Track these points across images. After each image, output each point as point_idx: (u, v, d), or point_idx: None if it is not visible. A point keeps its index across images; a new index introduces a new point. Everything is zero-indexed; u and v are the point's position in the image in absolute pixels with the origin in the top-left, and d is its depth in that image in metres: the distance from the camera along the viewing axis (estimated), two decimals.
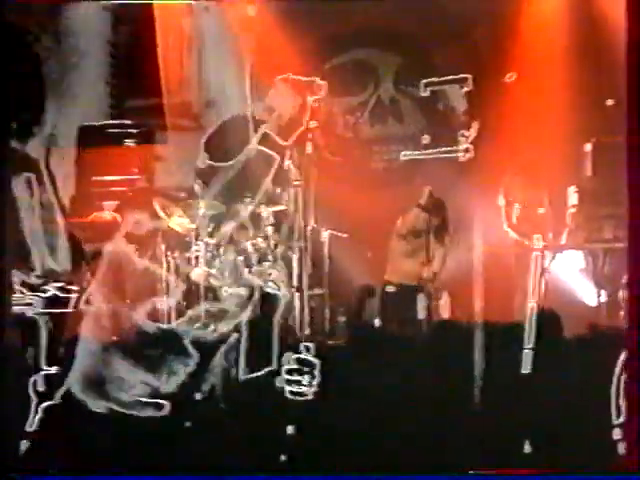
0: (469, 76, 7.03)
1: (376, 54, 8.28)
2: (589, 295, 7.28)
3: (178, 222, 7.58)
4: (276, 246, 7.38)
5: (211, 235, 7.25)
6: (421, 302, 6.49)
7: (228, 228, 7.39)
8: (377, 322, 6.70)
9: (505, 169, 7.52)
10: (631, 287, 5.22)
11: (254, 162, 7.46)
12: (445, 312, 6.77)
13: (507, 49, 7.70)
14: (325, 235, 7.46)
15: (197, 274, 7.30)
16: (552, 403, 5.26)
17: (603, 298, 7.21)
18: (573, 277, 7.42)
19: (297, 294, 7.28)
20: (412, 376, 5.33)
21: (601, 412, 5.22)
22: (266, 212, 7.38)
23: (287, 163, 7.23)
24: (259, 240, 7.31)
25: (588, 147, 7.48)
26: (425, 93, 7.27)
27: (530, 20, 7.74)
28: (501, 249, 7.42)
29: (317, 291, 7.41)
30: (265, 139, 7.24)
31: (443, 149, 7.32)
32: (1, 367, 6.28)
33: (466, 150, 6.97)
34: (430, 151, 7.28)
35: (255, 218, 7.36)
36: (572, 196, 7.38)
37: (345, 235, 7.13)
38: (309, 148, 7.07)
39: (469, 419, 5.35)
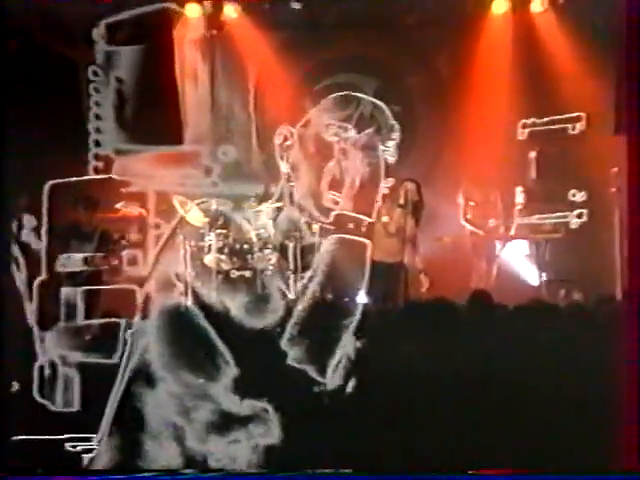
0: (583, 114, 7.25)
1: (358, 77, 8.40)
2: (532, 276, 7.74)
3: (194, 216, 8.08)
4: (275, 236, 7.89)
5: (221, 227, 7.61)
6: (400, 278, 6.59)
7: (236, 221, 7.76)
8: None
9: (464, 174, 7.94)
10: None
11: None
12: (421, 288, 6.95)
13: (466, 74, 8.12)
14: (316, 227, 8.10)
15: (209, 260, 7.83)
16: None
17: (544, 279, 7.68)
18: (519, 262, 7.84)
19: (292, 275, 8.01)
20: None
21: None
22: (266, 208, 7.90)
23: (284, 167, 7.69)
24: (261, 231, 7.78)
25: (533, 154, 7.81)
26: (522, 137, 7.48)
27: (484, 49, 8.09)
28: (460, 238, 7.84)
29: (309, 273, 8.02)
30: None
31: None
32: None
33: None
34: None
35: (258, 213, 7.79)
36: (519, 195, 7.74)
37: (333, 227, 7.48)
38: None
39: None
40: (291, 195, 5.02)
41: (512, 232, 7.79)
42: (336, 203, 4.81)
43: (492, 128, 7.79)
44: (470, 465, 4.45)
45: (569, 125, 7.37)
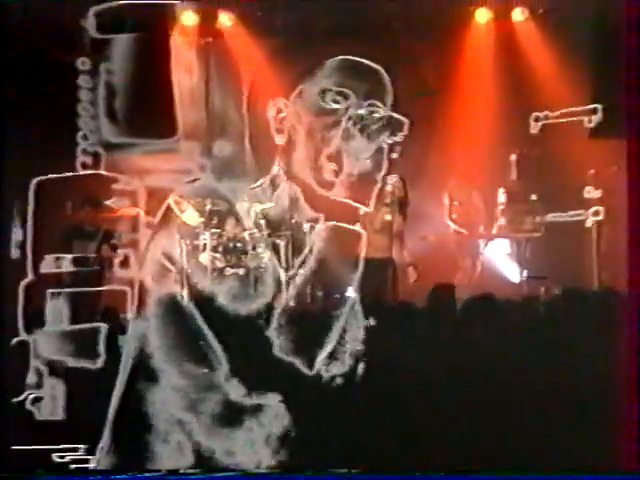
0: (598, 106, 6.79)
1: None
2: (513, 273, 7.97)
3: (189, 216, 8.20)
4: (268, 235, 7.99)
5: (216, 227, 7.72)
6: (389, 273, 6.79)
7: (229, 221, 7.86)
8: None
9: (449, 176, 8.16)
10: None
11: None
12: (409, 281, 7.20)
13: (451, 79, 8.29)
14: (306, 226, 8.22)
15: (204, 258, 7.94)
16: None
17: (524, 276, 7.87)
18: (501, 259, 8.08)
19: (284, 273, 8.15)
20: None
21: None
22: (259, 208, 8.03)
23: (276, 169, 7.80)
24: (254, 230, 7.91)
25: (513, 157, 8.06)
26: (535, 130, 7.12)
27: (468, 55, 8.30)
28: (445, 237, 8.07)
29: (300, 270, 8.13)
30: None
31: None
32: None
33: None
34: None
35: (250, 213, 7.90)
36: (501, 196, 8.03)
37: (323, 226, 7.61)
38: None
39: None
40: (287, 170, 4.70)
41: (494, 231, 8.00)
42: (336, 174, 4.47)
43: (475, 130, 7.99)
44: (461, 464, 4.50)
45: (585, 118, 7.19)
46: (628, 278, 4.77)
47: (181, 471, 4.32)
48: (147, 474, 4.38)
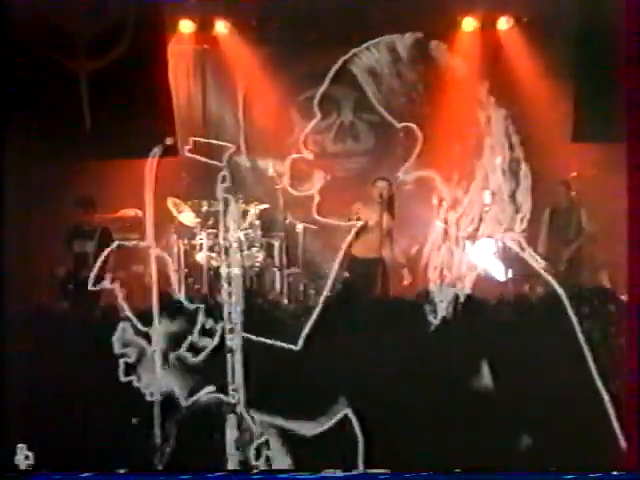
0: None
1: (339, 89, 8.31)
2: (499, 272, 8.05)
3: (186, 217, 8.14)
4: (262, 236, 7.88)
5: (212, 227, 7.57)
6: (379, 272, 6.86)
7: (225, 221, 7.96)
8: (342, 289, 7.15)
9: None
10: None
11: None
12: (399, 283, 7.25)
13: (438, 85, 8.68)
14: (299, 227, 8.07)
15: (201, 257, 7.84)
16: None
17: (509, 275, 8.02)
18: (487, 259, 8.17)
19: (278, 272, 7.98)
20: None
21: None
22: (254, 209, 7.88)
23: (271, 171, 7.74)
24: (249, 231, 7.76)
25: (499, 160, 8.44)
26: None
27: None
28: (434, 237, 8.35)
29: (293, 270, 8.03)
30: None
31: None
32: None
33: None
34: None
35: (246, 214, 7.76)
36: (487, 197, 8.38)
37: (315, 227, 7.58)
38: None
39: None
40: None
41: (480, 231, 8.16)
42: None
43: (461, 134, 8.11)
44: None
45: None
46: (628, 280, 4.77)
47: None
48: (148, 473, 4.55)
